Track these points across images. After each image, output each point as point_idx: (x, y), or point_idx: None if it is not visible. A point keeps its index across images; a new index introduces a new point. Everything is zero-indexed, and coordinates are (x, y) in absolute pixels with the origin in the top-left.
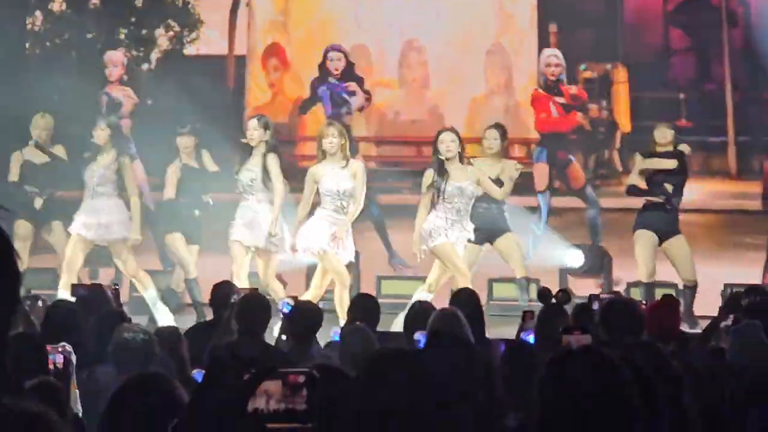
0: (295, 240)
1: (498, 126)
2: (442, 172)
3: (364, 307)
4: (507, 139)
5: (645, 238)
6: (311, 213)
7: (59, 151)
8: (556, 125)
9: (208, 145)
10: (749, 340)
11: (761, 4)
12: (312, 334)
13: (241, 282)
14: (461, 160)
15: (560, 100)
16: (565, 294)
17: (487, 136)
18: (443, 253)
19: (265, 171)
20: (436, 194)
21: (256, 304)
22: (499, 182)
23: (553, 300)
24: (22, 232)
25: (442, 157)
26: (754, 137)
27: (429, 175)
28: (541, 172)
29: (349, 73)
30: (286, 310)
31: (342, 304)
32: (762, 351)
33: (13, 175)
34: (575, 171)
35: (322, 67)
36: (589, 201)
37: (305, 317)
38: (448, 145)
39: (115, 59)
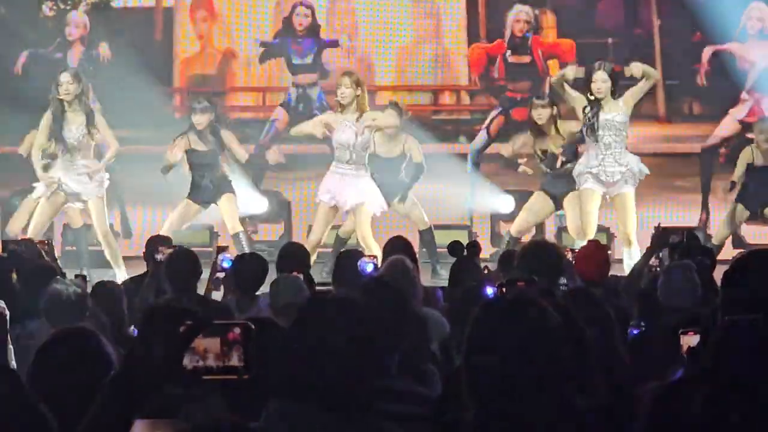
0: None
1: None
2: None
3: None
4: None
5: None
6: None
7: None
8: None
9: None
10: (681, 280)
11: None
12: (258, 285)
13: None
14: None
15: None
16: (476, 246)
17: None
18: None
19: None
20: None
21: (184, 261)
22: None
23: (465, 253)
24: None
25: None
26: (682, 81)
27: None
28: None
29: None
30: (226, 265)
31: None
32: (692, 291)
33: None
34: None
35: (287, 21)
36: None
37: (248, 269)
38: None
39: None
